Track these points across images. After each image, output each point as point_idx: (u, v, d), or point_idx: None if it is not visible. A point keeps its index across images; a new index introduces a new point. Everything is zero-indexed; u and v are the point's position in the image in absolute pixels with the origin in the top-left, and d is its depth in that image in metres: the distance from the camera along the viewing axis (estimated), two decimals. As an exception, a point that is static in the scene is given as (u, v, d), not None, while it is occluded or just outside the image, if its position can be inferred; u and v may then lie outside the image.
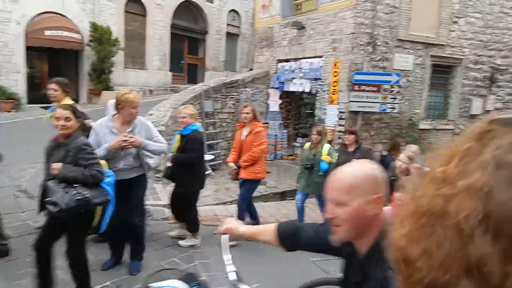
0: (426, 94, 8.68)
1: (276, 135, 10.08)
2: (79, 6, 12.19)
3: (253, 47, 11.19)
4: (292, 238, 1.45)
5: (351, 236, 1.15)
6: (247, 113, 4.40)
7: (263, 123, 9.92)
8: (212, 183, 7.66)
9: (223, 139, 9.19)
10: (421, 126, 8.64)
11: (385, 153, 5.76)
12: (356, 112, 7.89)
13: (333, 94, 8.01)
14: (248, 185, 4.60)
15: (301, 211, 5.13)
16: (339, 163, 4.72)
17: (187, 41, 15.21)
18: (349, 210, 1.10)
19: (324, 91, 8.30)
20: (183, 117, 4.04)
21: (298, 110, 11.04)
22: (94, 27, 12.14)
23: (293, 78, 9.07)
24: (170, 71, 14.09)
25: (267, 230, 1.53)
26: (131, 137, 3.16)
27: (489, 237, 0.36)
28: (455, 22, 8.58)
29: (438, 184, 0.41)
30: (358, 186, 1.11)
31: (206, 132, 8.59)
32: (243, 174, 4.51)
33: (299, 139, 10.76)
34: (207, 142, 8.42)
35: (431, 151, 0.47)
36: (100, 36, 12.05)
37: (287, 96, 10.20)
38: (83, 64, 12.53)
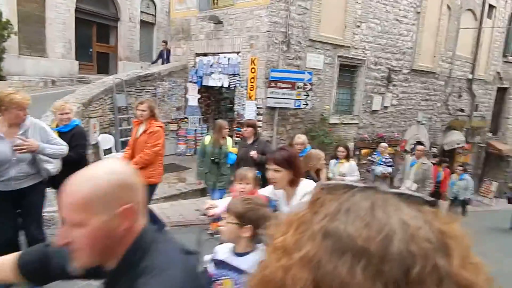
0: (335, 91, 9.41)
1: (196, 130, 9.95)
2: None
3: (170, 39, 10.77)
4: (40, 270, 1.10)
5: (96, 261, 0.90)
6: (143, 110, 4.03)
7: (181, 118, 9.73)
8: None
9: (139, 135, 8.72)
10: (331, 121, 9.35)
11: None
12: (273, 108, 8.20)
13: (251, 90, 8.18)
14: None
15: None
16: (239, 156, 4.84)
17: (95, 27, 13.94)
18: (88, 231, 0.84)
19: (242, 86, 8.42)
20: (67, 113, 3.77)
21: (218, 104, 11.02)
22: (-23, 5, 10.32)
23: (212, 72, 9.00)
24: (77, 59, 12.78)
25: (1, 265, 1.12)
26: (25, 141, 2.80)
27: None
28: (358, 26, 9.43)
29: (278, 255, 0.44)
30: (97, 199, 0.85)
31: (120, 128, 8.06)
32: None
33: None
34: (121, 139, 7.92)
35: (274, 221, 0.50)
36: (-15, 16, 10.29)
37: (206, 91, 10.09)
38: (-36, 49, 10.60)
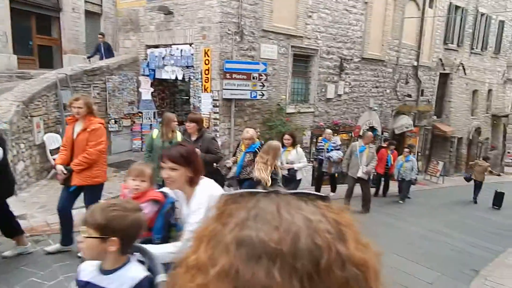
0: (290, 81, 9.53)
1: (151, 124, 9.64)
2: None
3: (117, 30, 10.25)
4: None
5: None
6: (79, 107, 3.69)
7: (135, 113, 9.37)
8: (56, 187, 6.87)
9: (89, 132, 8.29)
10: (288, 110, 9.48)
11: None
12: (229, 100, 8.14)
13: (206, 82, 8.05)
14: (89, 194, 3.83)
15: None
16: None
17: (34, 19, 12.91)
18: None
19: (197, 79, 8.26)
20: None
21: (173, 97, 10.75)
22: None
23: (165, 65, 8.72)
24: (15, 53, 11.79)
25: None
26: None
27: None
28: (310, 16, 9.57)
29: (193, 274, 0.44)
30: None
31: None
32: (77, 180, 3.73)
33: (176, 127, 10.54)
34: (69, 138, 7.47)
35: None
36: None
37: (160, 84, 9.78)
38: None
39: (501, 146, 22.70)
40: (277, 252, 0.41)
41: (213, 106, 8.09)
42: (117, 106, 8.88)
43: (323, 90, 10.53)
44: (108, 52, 10.36)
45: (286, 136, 6.12)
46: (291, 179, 5.90)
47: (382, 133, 13.09)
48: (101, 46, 10.47)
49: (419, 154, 15.32)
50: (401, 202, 9.27)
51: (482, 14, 17.22)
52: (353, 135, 11.77)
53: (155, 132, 4.92)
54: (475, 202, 11.09)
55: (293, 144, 6.05)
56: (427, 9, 13.89)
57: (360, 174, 7.41)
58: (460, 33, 16.11)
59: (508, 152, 23.44)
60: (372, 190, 9.18)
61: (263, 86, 8.28)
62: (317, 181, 9.01)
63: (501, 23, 19.01)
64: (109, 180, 7.03)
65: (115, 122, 8.89)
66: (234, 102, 8.19)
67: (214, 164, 4.78)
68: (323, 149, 8.47)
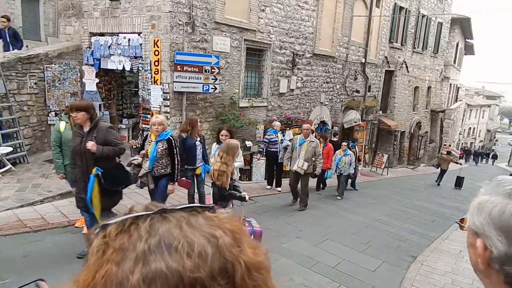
0: (243, 75, 9.49)
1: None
2: None
3: (58, 15, 9.48)
4: None
5: None
6: None
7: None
8: (14, 180, 6.35)
9: (25, 126, 7.64)
10: (241, 104, 9.45)
11: (184, 135, 5.63)
12: (181, 93, 7.91)
13: (156, 73, 7.74)
14: None
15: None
16: (75, 148, 3.78)
17: (-40, -2, 11.54)
18: None
19: (146, 70, 7.91)
20: None
21: (121, 89, 10.24)
22: None
23: (111, 54, 8.23)
24: None
25: None
26: None
27: None
28: (263, 10, 9.57)
29: None
30: None
31: (0, 118, 6.93)
32: None
33: (125, 121, 10.08)
34: (1, 132, 6.84)
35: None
36: None
37: (106, 74, 9.26)
38: None
39: (438, 139, 24.66)
40: (196, 279, 0.38)
41: (164, 99, 7.81)
42: (57, 97, 8.25)
43: (276, 84, 10.63)
44: (16, 39, 8.54)
45: (224, 132, 5.53)
46: None
47: (332, 127, 13.57)
48: (6, 33, 8.41)
49: (366, 147, 16.14)
50: (339, 198, 8.96)
51: (423, 16, 18.43)
52: (318, 131, 12.05)
53: (62, 125, 4.41)
54: (438, 185, 14.52)
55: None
56: (374, 8, 14.55)
57: (295, 167, 7.08)
58: (404, 33, 17.11)
59: (444, 145, 25.55)
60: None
61: (216, 79, 8.16)
62: (269, 175, 9.03)
63: (440, 24, 20.49)
64: (49, 178, 6.57)
65: (56, 114, 8.26)
66: (185, 95, 7.98)
67: (117, 158, 4.03)
68: (276, 141, 8.38)
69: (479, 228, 0.70)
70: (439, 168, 14.84)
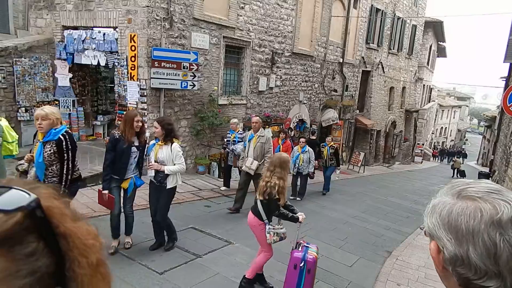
0: (222, 72, 9.42)
1: (70, 113, 8.83)
2: None
3: (28, 7, 9.08)
4: None
5: None
6: None
7: (51, 101, 8.43)
8: None
9: (-7, 122, 7.27)
10: (220, 102, 9.38)
11: (116, 134, 4.05)
12: (158, 89, 7.77)
13: (132, 69, 7.57)
14: None
15: None
16: None
17: None
18: None
19: (122, 66, 7.71)
20: None
21: (96, 85, 9.94)
22: None
23: (85, 49, 7.97)
24: None
25: None
26: None
27: None
28: (242, 8, 9.53)
29: None
30: None
31: (-37, 114, 6.57)
32: None
33: (100, 117, 9.79)
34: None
35: None
36: None
37: (79, 69, 8.96)
38: None
39: (412, 138, 25.43)
40: None
41: (141, 96, 7.65)
42: (27, 92, 7.91)
43: (255, 82, 10.63)
44: None
45: (156, 124, 4.17)
46: (159, 188, 4.18)
47: (311, 126, 13.72)
48: None
49: (344, 145, 16.42)
50: (298, 199, 8.18)
51: (399, 18, 18.92)
52: (283, 127, 12.13)
53: None
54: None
55: (167, 137, 4.10)
56: (352, 9, 14.79)
57: (244, 167, 6.35)
58: (380, 34, 17.51)
59: (418, 144, 26.37)
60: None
61: (194, 76, 8.06)
62: (225, 175, 8.29)
63: (414, 27, 21.11)
64: (19, 177, 6.28)
65: (26, 110, 7.93)
66: (163, 92, 7.84)
67: None
68: (229, 141, 7.68)
69: (431, 230, 0.69)
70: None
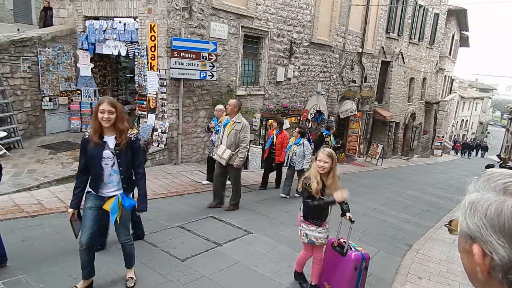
0: (240, 62, 9.38)
1: (91, 103, 8.98)
2: None
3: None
4: None
5: None
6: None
7: (73, 90, 8.61)
8: (9, 165, 6.25)
9: (19, 110, 7.50)
10: (238, 92, 9.37)
11: (87, 134, 2.91)
12: (178, 79, 7.81)
13: (152, 59, 7.62)
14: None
15: None
16: None
17: None
18: None
19: (142, 56, 7.78)
20: None
21: (116, 75, 10.09)
22: None
23: (106, 39, 8.08)
24: None
25: None
26: None
27: None
28: (261, -3, 9.42)
29: None
30: None
31: (-8, 103, 6.79)
32: None
33: (120, 107, 9.93)
34: (-6, 117, 6.70)
35: None
36: None
37: (101, 59, 9.10)
38: None
39: (432, 131, 24.85)
40: None
41: (160, 86, 7.72)
42: (51, 82, 8.09)
43: (273, 73, 10.55)
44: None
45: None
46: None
47: (328, 117, 13.57)
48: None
49: (361, 137, 16.20)
50: (283, 195, 7.12)
51: (421, 6, 18.34)
52: (301, 119, 12.05)
53: None
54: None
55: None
56: (373, -3, 14.42)
57: (215, 155, 5.67)
58: (401, 23, 17.04)
59: (438, 136, 25.77)
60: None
61: (213, 66, 8.06)
62: (208, 166, 7.17)
63: (436, 15, 20.44)
64: (44, 163, 6.48)
65: (50, 99, 8.12)
66: (182, 82, 7.89)
67: None
68: (217, 130, 6.53)
69: (474, 232, 0.61)
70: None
